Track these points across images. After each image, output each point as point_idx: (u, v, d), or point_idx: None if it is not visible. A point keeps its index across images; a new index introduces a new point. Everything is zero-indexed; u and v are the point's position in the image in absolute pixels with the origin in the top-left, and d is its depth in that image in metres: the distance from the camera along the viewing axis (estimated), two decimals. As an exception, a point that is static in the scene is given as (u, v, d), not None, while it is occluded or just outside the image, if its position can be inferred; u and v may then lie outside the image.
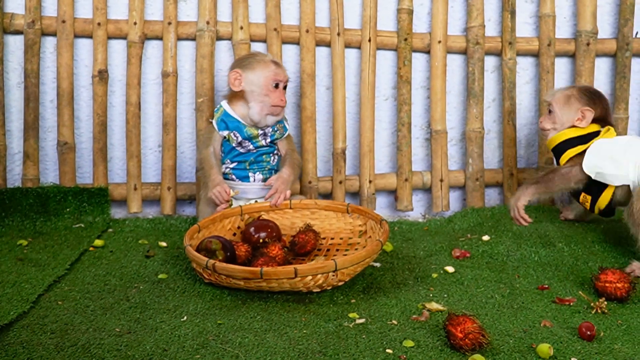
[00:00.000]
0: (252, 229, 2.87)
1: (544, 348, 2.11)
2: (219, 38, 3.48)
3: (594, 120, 3.08)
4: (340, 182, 3.52)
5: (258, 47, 3.50)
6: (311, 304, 2.52)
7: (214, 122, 3.09)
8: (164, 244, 3.10)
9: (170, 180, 3.45)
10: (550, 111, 3.11)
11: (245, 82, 3.03)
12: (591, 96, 3.09)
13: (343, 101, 3.51)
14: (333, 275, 2.49)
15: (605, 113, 3.10)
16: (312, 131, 3.49)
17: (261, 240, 2.83)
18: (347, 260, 2.50)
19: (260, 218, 2.97)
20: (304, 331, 2.31)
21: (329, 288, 2.58)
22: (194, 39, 3.46)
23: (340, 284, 2.58)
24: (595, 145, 3.02)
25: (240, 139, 3.07)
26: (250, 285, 2.51)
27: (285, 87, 3.09)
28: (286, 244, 2.90)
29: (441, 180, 3.58)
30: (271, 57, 3.11)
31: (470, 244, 3.12)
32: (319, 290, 2.55)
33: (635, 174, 2.91)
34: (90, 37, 3.41)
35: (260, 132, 3.07)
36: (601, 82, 3.69)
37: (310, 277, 2.46)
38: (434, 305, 2.52)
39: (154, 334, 2.23)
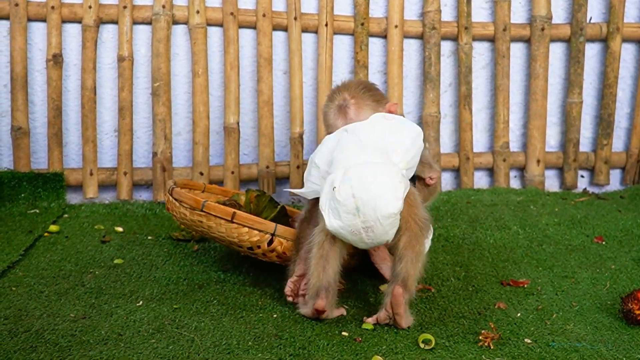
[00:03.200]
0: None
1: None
2: (175, 22, 3.45)
3: None
4: (298, 167, 3.52)
5: (214, 31, 3.49)
6: (268, 288, 2.52)
7: None
8: (120, 229, 3.09)
9: (126, 165, 3.43)
10: None
11: None
12: None
13: (300, 86, 3.50)
14: (270, 240, 2.43)
15: None
16: (269, 116, 3.49)
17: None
18: (289, 232, 2.45)
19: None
20: (260, 315, 2.32)
21: (264, 259, 2.51)
22: (149, 23, 3.43)
23: (277, 260, 2.50)
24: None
25: None
26: (193, 219, 2.49)
27: None
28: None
29: (398, 165, 3.59)
30: (340, 96, 2.55)
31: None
32: (248, 253, 2.49)
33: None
34: (44, 20, 3.37)
35: None
36: (556, 66, 3.73)
37: (246, 230, 2.42)
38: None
39: (109, 319, 2.23)
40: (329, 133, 2.54)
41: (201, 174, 3.44)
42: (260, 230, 2.43)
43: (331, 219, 2.20)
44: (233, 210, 2.44)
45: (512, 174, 3.74)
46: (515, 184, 3.75)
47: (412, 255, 2.24)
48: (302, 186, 2.54)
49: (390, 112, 2.52)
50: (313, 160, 2.41)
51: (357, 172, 2.20)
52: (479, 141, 3.72)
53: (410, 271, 2.23)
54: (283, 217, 2.74)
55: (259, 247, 2.45)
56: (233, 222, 2.42)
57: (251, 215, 2.48)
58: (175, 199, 2.56)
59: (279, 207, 2.79)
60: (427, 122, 3.58)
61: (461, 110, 3.62)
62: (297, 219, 2.62)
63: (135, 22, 3.43)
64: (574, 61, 3.65)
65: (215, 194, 2.95)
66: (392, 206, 2.17)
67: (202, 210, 2.46)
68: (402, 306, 2.22)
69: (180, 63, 3.51)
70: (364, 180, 2.18)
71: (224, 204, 2.62)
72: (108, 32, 3.45)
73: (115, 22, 3.42)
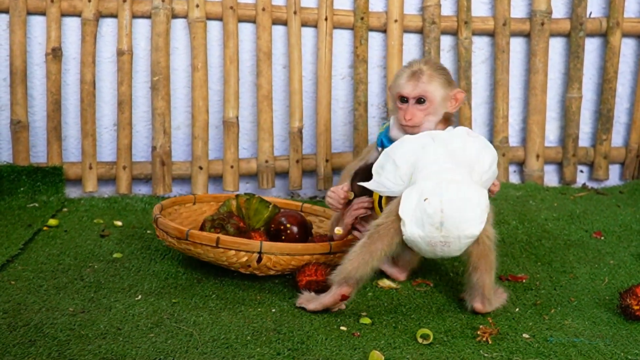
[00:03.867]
0: (282, 219, 2.74)
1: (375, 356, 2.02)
2: (175, 16, 3.45)
3: None
4: (297, 161, 3.52)
5: (214, 25, 3.48)
6: (266, 283, 2.53)
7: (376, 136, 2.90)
8: (119, 223, 3.09)
9: (125, 160, 3.43)
10: None
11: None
12: None
13: (300, 80, 3.50)
14: (258, 259, 2.44)
15: None
16: (268, 110, 3.48)
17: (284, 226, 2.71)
18: (275, 247, 2.46)
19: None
20: (259, 309, 2.32)
21: (259, 274, 2.52)
22: (149, 17, 3.43)
23: (272, 273, 2.51)
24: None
25: None
26: (182, 247, 2.49)
27: (420, 102, 2.50)
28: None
29: (397, 159, 3.59)
30: (417, 65, 2.55)
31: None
32: (244, 271, 2.50)
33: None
34: (43, 14, 3.36)
35: None
36: (555, 61, 3.72)
37: (233, 252, 2.42)
38: (387, 283, 2.54)
39: (108, 313, 2.23)
40: (393, 95, 2.55)
41: (200, 168, 3.44)
42: (246, 251, 2.43)
43: (413, 227, 2.22)
44: (217, 235, 2.44)
45: (512, 168, 3.74)
46: (514, 178, 3.75)
47: (486, 265, 2.30)
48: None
49: (456, 98, 2.54)
50: (390, 156, 2.35)
51: (450, 188, 2.21)
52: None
53: (486, 281, 2.31)
54: (277, 215, 2.76)
55: (249, 266, 2.46)
56: (219, 247, 2.43)
57: (235, 238, 2.48)
58: (161, 229, 2.56)
59: (270, 206, 2.80)
60: (427, 117, 3.58)
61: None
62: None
63: (134, 16, 3.42)
64: (573, 56, 3.65)
65: (208, 202, 2.95)
66: (475, 228, 2.23)
67: (187, 239, 2.46)
68: (489, 309, 2.35)
69: (179, 57, 3.51)
70: (456, 198, 2.20)
71: (213, 220, 2.63)
72: (107, 26, 3.44)
73: (114, 16, 3.41)
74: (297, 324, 2.22)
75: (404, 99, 2.51)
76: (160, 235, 2.58)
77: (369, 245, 2.25)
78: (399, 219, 2.22)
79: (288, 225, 2.68)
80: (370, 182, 2.37)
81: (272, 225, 2.71)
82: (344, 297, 2.26)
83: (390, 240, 2.25)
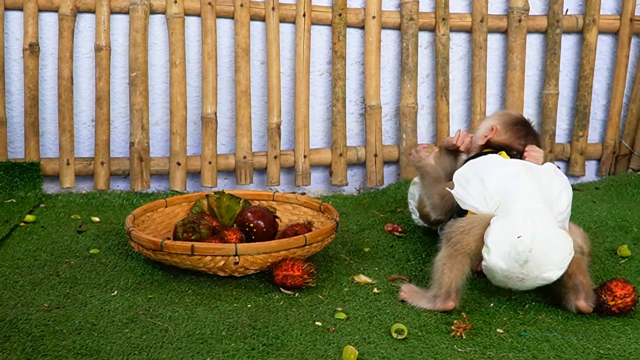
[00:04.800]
0: (248, 214, 2.74)
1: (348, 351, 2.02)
2: (153, 12, 3.45)
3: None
4: (275, 157, 3.53)
5: (192, 21, 3.48)
6: (243, 279, 2.53)
7: None
8: (96, 219, 3.09)
9: (103, 155, 3.43)
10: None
11: None
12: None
13: (278, 76, 3.51)
14: (236, 261, 2.45)
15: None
16: (246, 106, 3.49)
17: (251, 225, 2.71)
18: (250, 248, 2.46)
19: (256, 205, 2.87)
20: (235, 305, 2.33)
21: (238, 275, 2.52)
22: (127, 13, 3.42)
23: (251, 272, 2.52)
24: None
25: None
26: (158, 257, 2.49)
27: None
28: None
29: (375, 155, 3.60)
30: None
31: (403, 218, 3.16)
32: (224, 274, 2.50)
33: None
34: (20, 9, 3.36)
35: None
36: (532, 58, 3.74)
37: (209, 258, 2.43)
38: (362, 278, 2.55)
39: (84, 309, 2.23)
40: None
41: (178, 164, 3.44)
42: (222, 255, 2.44)
43: (497, 258, 2.25)
44: (191, 243, 2.44)
45: (489, 164, 3.75)
46: (491, 174, 3.77)
47: (580, 270, 2.33)
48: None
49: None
50: (479, 174, 2.39)
51: (543, 230, 2.23)
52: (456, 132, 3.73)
53: (584, 281, 2.34)
54: (242, 212, 2.76)
55: (227, 268, 2.47)
56: (194, 255, 2.43)
57: (210, 243, 2.49)
58: (135, 242, 2.55)
59: (241, 202, 2.81)
60: (404, 113, 3.60)
61: (438, 101, 3.63)
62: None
63: (112, 12, 3.42)
64: (550, 53, 3.67)
65: (179, 203, 2.95)
66: (554, 273, 2.27)
67: (162, 250, 2.46)
68: (592, 308, 2.34)
69: (157, 53, 3.50)
70: (546, 240, 2.23)
71: (184, 224, 2.63)
72: (85, 22, 3.44)
73: (92, 12, 3.41)
74: (272, 319, 2.22)
75: None
76: (135, 247, 2.57)
77: (455, 258, 2.29)
78: (481, 240, 2.27)
79: (254, 222, 2.69)
80: (454, 190, 2.40)
81: (237, 224, 2.72)
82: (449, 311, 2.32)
83: (469, 256, 2.30)
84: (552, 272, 2.26)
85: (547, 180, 2.39)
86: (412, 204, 2.96)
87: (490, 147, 2.63)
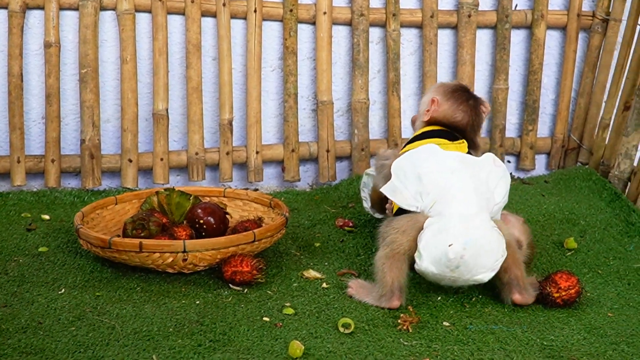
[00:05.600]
0: (198, 211, 2.75)
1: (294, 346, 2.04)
2: (103, 8, 3.43)
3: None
4: (228, 154, 3.53)
5: (143, 17, 3.47)
6: (192, 275, 2.54)
7: None
8: (47, 217, 3.07)
9: (54, 153, 3.41)
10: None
11: None
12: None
13: (229, 72, 3.51)
14: (184, 258, 2.45)
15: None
16: (198, 102, 3.49)
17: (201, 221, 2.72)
18: (199, 244, 2.47)
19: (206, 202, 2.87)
20: (183, 301, 2.33)
21: (187, 271, 2.53)
22: (77, 9, 3.40)
23: (200, 268, 2.53)
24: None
25: None
26: (107, 255, 2.49)
27: None
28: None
29: (327, 151, 3.62)
30: None
31: (354, 213, 3.17)
32: (173, 271, 2.50)
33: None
34: (-32, 6, 3.33)
35: None
36: (482, 53, 3.77)
37: (158, 255, 2.43)
38: (312, 273, 2.57)
39: (30, 307, 2.22)
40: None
41: (130, 161, 3.43)
42: (171, 252, 2.44)
43: (428, 264, 2.28)
44: (139, 240, 2.44)
45: (441, 159, 3.78)
46: (443, 169, 3.80)
47: (514, 263, 2.35)
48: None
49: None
50: (416, 169, 2.38)
51: (475, 236, 2.25)
52: (408, 127, 3.75)
53: (518, 274, 2.37)
54: (192, 209, 2.77)
55: (176, 265, 2.47)
56: (143, 252, 2.43)
57: (158, 240, 2.49)
58: (84, 239, 2.55)
59: (191, 198, 2.82)
60: (356, 109, 3.61)
61: (390, 97, 3.65)
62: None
63: (62, 8, 3.39)
64: (499, 48, 3.71)
65: (130, 200, 2.94)
66: (486, 275, 2.31)
67: (110, 248, 2.45)
68: (530, 299, 2.38)
69: (108, 49, 3.49)
70: (479, 246, 2.25)
71: (133, 221, 2.63)
72: (35, 18, 3.41)
73: (41, 8, 3.38)
74: (220, 315, 2.23)
75: None
76: (84, 245, 2.57)
77: (392, 257, 2.32)
78: (414, 241, 2.30)
79: (204, 219, 2.69)
80: (387, 186, 2.41)
81: (187, 221, 2.73)
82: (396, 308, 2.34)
83: (405, 255, 2.33)
84: (484, 275, 2.29)
85: (485, 175, 2.40)
86: (366, 192, 2.97)
87: (435, 124, 2.63)
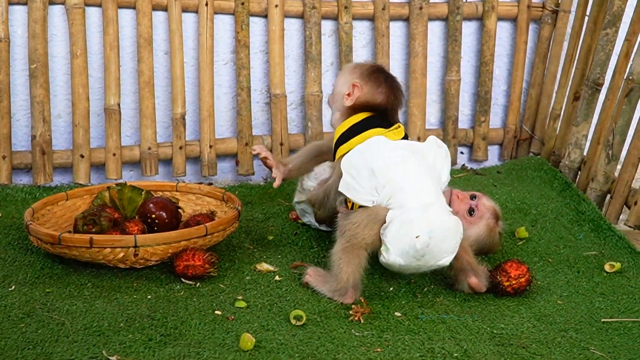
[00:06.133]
0: (150, 206, 2.73)
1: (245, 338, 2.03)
2: (52, 2, 3.39)
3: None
4: (181, 148, 3.51)
5: (93, 11, 3.44)
6: (144, 270, 2.52)
7: None
8: (-3, 213, 3.05)
9: (5, 149, 3.37)
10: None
11: None
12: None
13: (181, 66, 3.49)
14: (135, 253, 2.45)
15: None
16: (150, 96, 3.47)
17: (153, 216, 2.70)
18: (150, 239, 2.46)
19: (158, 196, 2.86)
20: (134, 296, 2.32)
21: (139, 266, 2.52)
22: (25, 4, 3.36)
23: (152, 263, 2.52)
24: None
25: None
26: (57, 251, 2.48)
27: None
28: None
29: (281, 144, 3.62)
30: None
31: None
32: (124, 266, 2.50)
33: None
34: None
35: None
36: (435, 45, 3.79)
37: (109, 250, 2.42)
38: (265, 266, 2.57)
39: (-21, 305, 2.20)
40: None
41: (82, 156, 3.41)
42: (122, 247, 2.43)
43: (395, 257, 2.28)
44: (89, 236, 2.43)
45: (394, 151, 3.80)
46: (397, 160, 3.81)
47: (462, 249, 2.38)
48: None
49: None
50: (368, 163, 2.35)
51: (438, 223, 2.25)
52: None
53: (470, 259, 2.41)
54: (144, 203, 2.77)
55: (127, 260, 2.46)
56: (93, 247, 2.41)
57: (109, 235, 2.49)
58: (34, 236, 2.53)
59: (143, 193, 2.81)
60: (309, 102, 3.62)
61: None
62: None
63: (10, 3, 3.35)
64: (451, 39, 3.73)
65: (81, 196, 2.92)
66: (447, 259, 2.32)
67: (60, 244, 2.44)
68: (483, 286, 2.42)
69: (58, 44, 3.46)
70: (441, 233, 2.25)
71: (84, 217, 2.61)
72: (-18, 13, 3.38)
73: (-11, 3, 3.35)
74: (172, 309, 2.23)
75: None
76: (34, 242, 2.55)
77: (350, 251, 2.32)
78: (377, 235, 2.30)
79: (156, 214, 2.69)
80: (341, 184, 2.38)
81: (139, 215, 2.72)
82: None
83: (365, 249, 2.33)
84: (446, 259, 2.31)
85: (432, 159, 2.42)
86: (304, 205, 2.95)
87: (358, 109, 2.57)
